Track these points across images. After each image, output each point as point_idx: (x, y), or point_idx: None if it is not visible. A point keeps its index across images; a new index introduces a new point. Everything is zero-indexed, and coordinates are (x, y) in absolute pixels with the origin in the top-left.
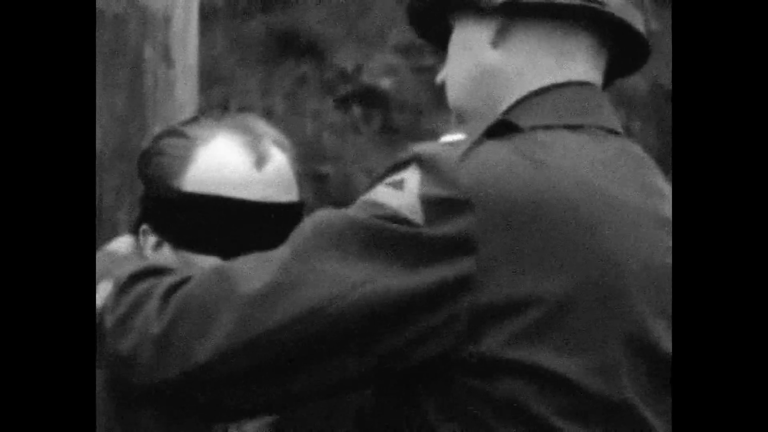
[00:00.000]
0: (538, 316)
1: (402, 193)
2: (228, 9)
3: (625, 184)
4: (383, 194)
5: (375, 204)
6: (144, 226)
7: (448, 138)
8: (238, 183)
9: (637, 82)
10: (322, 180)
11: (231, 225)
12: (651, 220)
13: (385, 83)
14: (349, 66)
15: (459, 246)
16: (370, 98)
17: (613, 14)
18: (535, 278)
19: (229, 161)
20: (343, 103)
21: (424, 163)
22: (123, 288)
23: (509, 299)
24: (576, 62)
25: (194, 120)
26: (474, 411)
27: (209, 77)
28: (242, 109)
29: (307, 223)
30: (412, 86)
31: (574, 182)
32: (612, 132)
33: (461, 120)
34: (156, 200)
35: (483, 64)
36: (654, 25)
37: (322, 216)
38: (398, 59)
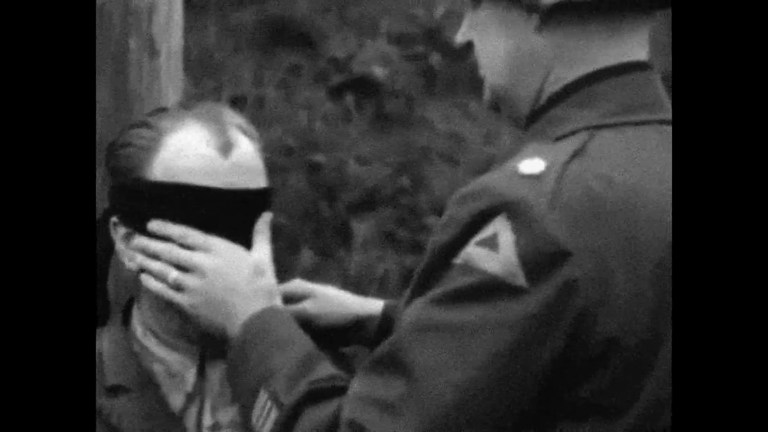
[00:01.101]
0: (624, 361)
1: (498, 255)
2: None
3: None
4: (478, 257)
5: (472, 269)
6: (114, 218)
7: (525, 165)
8: (204, 170)
9: None
10: (316, 169)
11: (198, 213)
12: None
13: (378, 72)
14: (342, 55)
15: (565, 296)
16: (363, 87)
17: None
18: (623, 316)
19: (195, 149)
20: (336, 91)
21: (513, 213)
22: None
23: (605, 344)
24: (625, 39)
25: (161, 110)
26: None
27: (201, 67)
28: (234, 99)
29: (407, 325)
30: (404, 74)
31: (652, 207)
32: (669, 123)
33: (496, 103)
34: (124, 191)
35: (525, 47)
36: None
37: (419, 311)
38: (391, 48)
